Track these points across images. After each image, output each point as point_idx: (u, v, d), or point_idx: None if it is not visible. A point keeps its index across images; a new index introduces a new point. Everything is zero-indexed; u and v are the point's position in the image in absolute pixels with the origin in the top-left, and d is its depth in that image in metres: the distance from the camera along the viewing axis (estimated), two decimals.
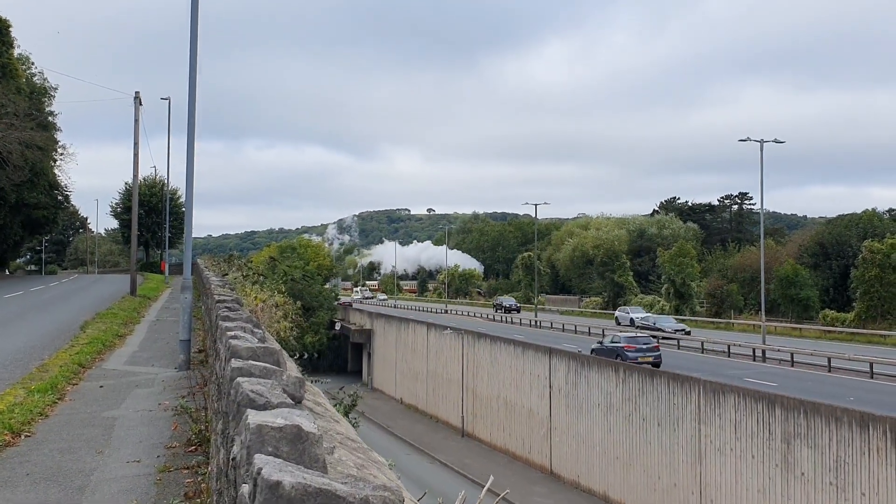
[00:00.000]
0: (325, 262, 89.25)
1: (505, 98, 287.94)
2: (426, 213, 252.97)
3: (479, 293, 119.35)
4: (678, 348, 43.66)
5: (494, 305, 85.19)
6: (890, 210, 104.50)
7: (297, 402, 2.87)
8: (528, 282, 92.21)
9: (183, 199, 49.72)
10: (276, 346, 5.83)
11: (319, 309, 74.00)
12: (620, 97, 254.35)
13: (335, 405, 16.10)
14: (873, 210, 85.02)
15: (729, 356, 39.69)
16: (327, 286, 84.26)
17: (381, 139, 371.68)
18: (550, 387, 24.26)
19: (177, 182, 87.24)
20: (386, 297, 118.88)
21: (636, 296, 79.60)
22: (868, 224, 69.92)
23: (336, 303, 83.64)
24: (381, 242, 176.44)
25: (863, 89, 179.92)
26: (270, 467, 1.73)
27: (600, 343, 34.77)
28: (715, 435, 14.64)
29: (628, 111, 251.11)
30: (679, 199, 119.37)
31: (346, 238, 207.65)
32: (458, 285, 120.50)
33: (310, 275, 75.10)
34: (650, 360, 30.34)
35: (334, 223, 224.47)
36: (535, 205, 76.33)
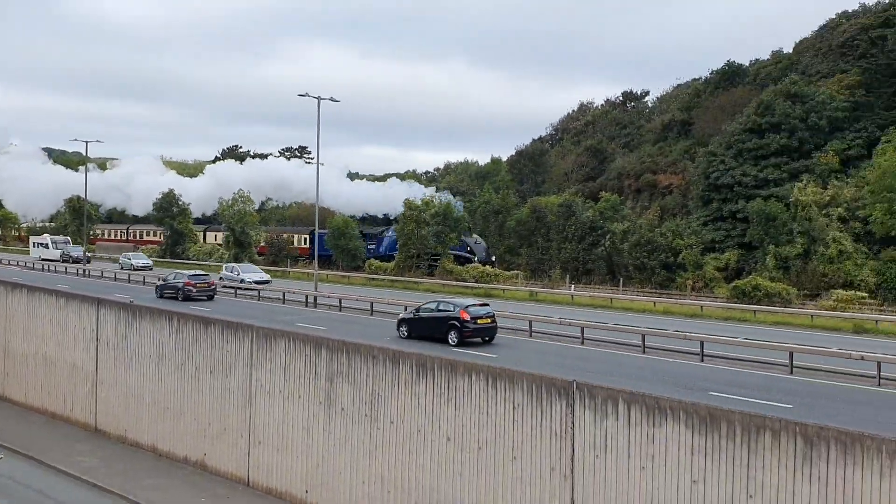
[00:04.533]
0: None
1: (68, 23, 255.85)
2: None
3: (19, 237, 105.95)
4: (235, 296, 44.19)
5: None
6: (426, 172, 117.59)
7: None
8: (77, 226, 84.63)
9: None
10: None
11: None
12: (198, 39, 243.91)
13: None
14: (414, 171, 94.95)
15: (284, 303, 41.45)
16: None
17: None
18: (97, 339, 22.76)
19: None
20: None
21: (196, 244, 78.19)
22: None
23: None
24: None
25: (411, 62, 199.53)
26: None
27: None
28: (266, 379, 15.18)
29: (205, 55, 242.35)
30: (241, 147, 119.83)
31: None
32: None
33: None
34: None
35: None
36: (87, 142, 69.97)
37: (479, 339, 27.72)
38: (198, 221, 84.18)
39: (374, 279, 57.73)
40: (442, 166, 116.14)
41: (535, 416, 10.03)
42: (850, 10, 73.03)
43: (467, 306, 28.40)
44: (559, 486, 9.75)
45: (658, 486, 8.76)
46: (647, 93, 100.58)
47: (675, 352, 26.28)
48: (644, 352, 26.15)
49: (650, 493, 8.85)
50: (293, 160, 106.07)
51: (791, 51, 78.90)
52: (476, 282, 52.21)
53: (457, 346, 26.70)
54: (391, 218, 76.34)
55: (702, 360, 24.56)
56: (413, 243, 59.53)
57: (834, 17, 74.51)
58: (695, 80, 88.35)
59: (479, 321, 27.64)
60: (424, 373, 11.70)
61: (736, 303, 40.43)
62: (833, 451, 7.54)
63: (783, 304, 39.93)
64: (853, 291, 40.42)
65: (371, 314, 36.36)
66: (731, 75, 79.22)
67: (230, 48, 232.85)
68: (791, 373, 22.57)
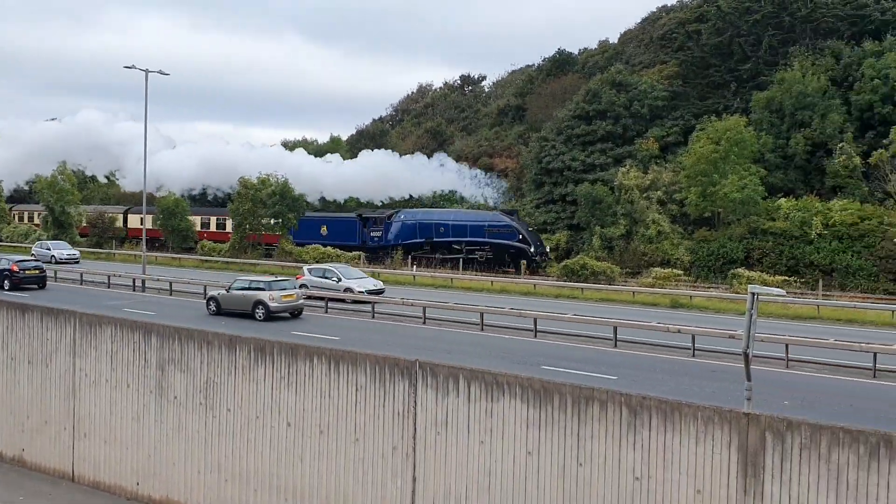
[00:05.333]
0: None
1: None
2: None
3: None
4: (56, 280, 41.20)
5: None
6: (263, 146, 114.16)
7: None
8: None
9: None
10: None
11: None
12: (12, 4, 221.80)
13: None
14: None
15: (109, 287, 39.10)
16: None
17: None
18: None
19: None
20: None
21: (9, 224, 72.17)
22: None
23: None
24: None
25: (247, 36, 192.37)
26: None
27: None
28: (91, 368, 14.28)
29: (23, 21, 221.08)
30: (58, 119, 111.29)
31: None
32: None
33: None
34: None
35: None
36: None
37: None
38: (11, 200, 77.62)
39: (207, 261, 55.65)
40: (279, 144, 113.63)
41: (378, 398, 10.07)
42: (669, 5, 77.88)
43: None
44: (401, 464, 9.86)
45: (496, 459, 9.05)
46: (484, 77, 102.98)
47: (512, 329, 27.24)
48: (482, 329, 26.91)
49: (488, 465, 9.12)
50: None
51: (616, 41, 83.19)
52: (317, 263, 51.57)
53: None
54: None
55: (535, 336, 25.59)
56: (249, 223, 57.82)
57: (655, 10, 79.21)
58: (528, 66, 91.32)
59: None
60: (263, 358, 11.44)
61: (566, 281, 42.40)
62: (655, 419, 8.07)
63: (608, 281, 42.32)
64: (670, 269, 43.45)
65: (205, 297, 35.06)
66: (561, 63, 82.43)
67: (52, 15, 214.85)
68: (615, 346, 23.98)
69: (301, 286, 32.65)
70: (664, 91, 64.80)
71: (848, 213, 46.36)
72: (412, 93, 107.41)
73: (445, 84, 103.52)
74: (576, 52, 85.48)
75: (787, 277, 41.00)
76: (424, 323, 28.29)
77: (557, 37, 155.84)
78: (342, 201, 67.03)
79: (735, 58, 64.20)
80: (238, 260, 54.22)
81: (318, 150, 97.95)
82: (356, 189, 65.46)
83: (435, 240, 53.90)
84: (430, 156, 69.54)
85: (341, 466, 10.39)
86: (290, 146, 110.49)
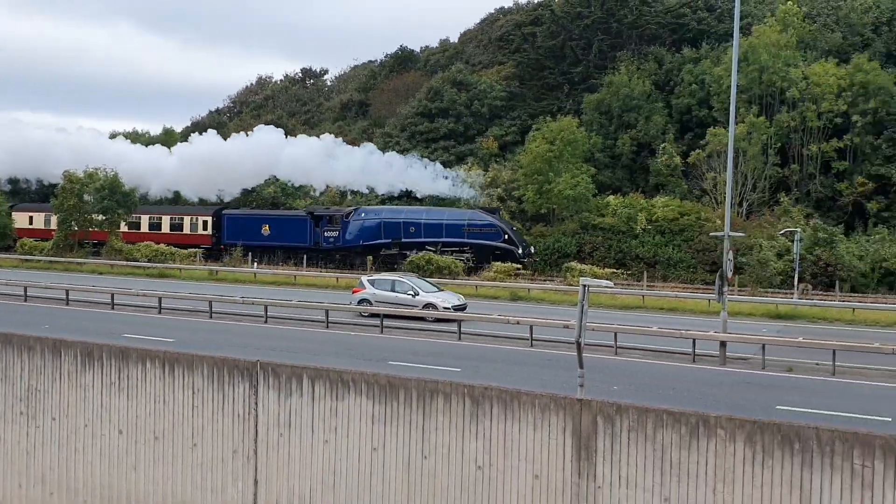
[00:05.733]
0: None
1: None
2: None
3: None
4: None
5: None
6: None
7: None
8: None
9: None
10: None
11: None
12: None
13: None
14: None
15: None
16: None
17: None
18: None
19: None
20: None
21: None
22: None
23: None
24: None
25: (75, 23, 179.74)
26: None
27: None
28: None
29: None
30: None
31: None
32: None
33: None
34: None
35: None
36: None
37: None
38: None
39: (28, 261, 51.69)
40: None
41: (217, 400, 9.76)
42: (506, 7, 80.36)
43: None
44: (242, 467, 9.61)
45: (341, 457, 9.02)
46: (326, 71, 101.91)
47: (358, 325, 27.18)
48: (328, 327, 26.66)
49: (333, 464, 9.07)
50: None
51: (457, 40, 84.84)
52: (149, 261, 49.14)
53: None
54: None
55: (381, 332, 25.67)
56: (76, 219, 54.17)
57: (493, 11, 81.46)
58: (371, 62, 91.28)
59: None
60: (91, 362, 10.79)
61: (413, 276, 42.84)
62: (496, 408, 8.32)
63: (452, 276, 43.12)
64: (509, 263, 44.84)
65: (25, 300, 32.52)
66: (404, 60, 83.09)
67: None
68: (459, 339, 24.48)
69: (361, 301, 29.35)
70: (503, 91, 66.83)
71: (669, 209, 49.77)
72: (251, 85, 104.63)
73: (286, 77, 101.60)
74: (418, 50, 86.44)
75: (615, 270, 43.45)
76: (266, 322, 27.67)
77: (399, 33, 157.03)
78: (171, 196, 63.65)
79: (568, 61, 67.17)
80: (63, 259, 50.70)
81: (149, 142, 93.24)
82: (186, 181, 60.20)
83: (404, 240, 48.94)
84: None
85: (178, 473, 9.99)
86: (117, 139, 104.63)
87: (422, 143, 62.60)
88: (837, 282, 39.81)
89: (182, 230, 56.65)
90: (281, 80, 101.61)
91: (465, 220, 48.43)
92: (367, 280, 31.17)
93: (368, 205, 55.45)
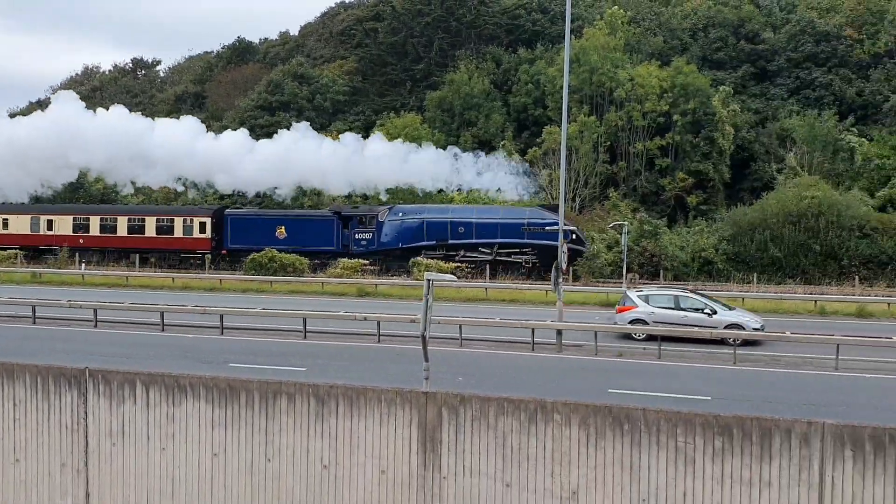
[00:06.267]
0: None
1: None
2: None
3: None
4: None
5: None
6: None
7: None
8: None
9: None
10: None
11: None
12: None
13: None
14: None
15: None
16: None
17: None
18: None
19: None
20: None
21: None
22: None
23: None
24: None
25: None
26: None
27: None
28: None
29: None
30: None
31: None
32: None
33: None
34: None
35: None
36: None
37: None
38: None
39: None
40: None
41: (42, 411, 9.13)
42: (347, 1, 79.90)
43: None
44: (72, 481, 9.05)
45: (179, 464, 8.69)
46: (158, 61, 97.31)
47: (197, 327, 26.14)
48: (163, 329, 25.49)
49: (171, 472, 8.73)
50: None
51: (297, 34, 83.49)
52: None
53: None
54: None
55: (222, 333, 24.87)
56: None
57: (334, 5, 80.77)
58: (207, 52, 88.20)
59: None
60: None
61: (254, 275, 41.73)
62: (342, 406, 8.29)
63: (297, 273, 42.42)
64: (357, 260, 44.62)
65: None
66: (242, 51, 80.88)
67: None
68: (305, 337, 24.15)
69: (634, 321, 24.22)
70: (345, 86, 66.45)
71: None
72: (77, 74, 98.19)
73: (115, 67, 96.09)
74: (257, 42, 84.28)
75: (458, 264, 44.23)
76: (96, 326, 26.08)
77: (237, 25, 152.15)
78: None
79: (410, 57, 67.75)
80: None
81: None
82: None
83: (450, 241, 44.84)
84: None
85: None
86: None
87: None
88: (662, 271, 42.61)
89: (172, 233, 48.81)
90: (110, 71, 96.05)
91: (525, 219, 44.60)
92: (638, 296, 25.57)
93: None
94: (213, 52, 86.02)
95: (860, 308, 31.15)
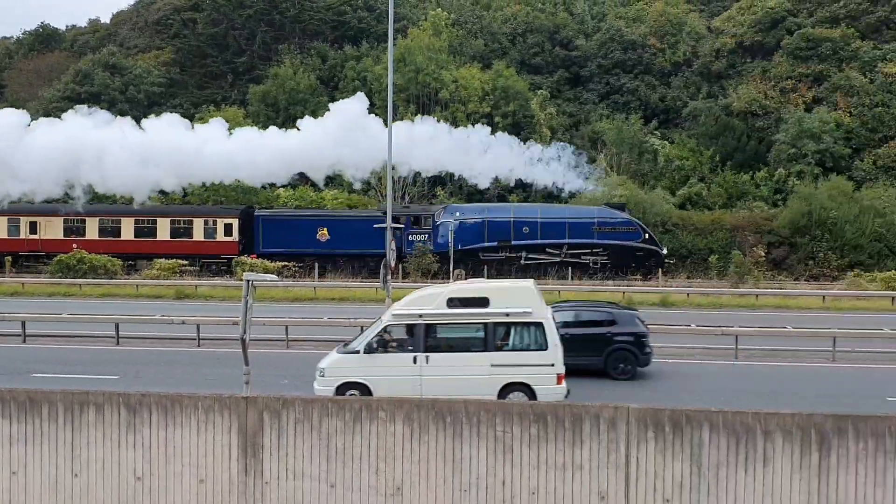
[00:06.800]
0: None
1: None
2: None
3: None
4: None
5: None
6: None
7: None
8: None
9: None
10: None
11: None
12: None
13: None
14: None
15: None
16: None
17: None
18: None
19: None
20: None
21: None
22: None
23: None
24: None
25: None
26: None
27: None
28: None
29: None
30: None
31: None
32: None
33: None
34: None
35: None
36: None
37: None
38: None
39: None
40: None
41: None
42: None
43: None
44: None
45: None
46: None
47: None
48: None
49: None
50: None
51: (109, 21, 78.67)
52: None
53: None
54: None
55: (24, 342, 23.00)
56: None
57: None
58: (5, 38, 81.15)
59: None
60: None
61: (60, 277, 38.86)
62: (155, 415, 7.92)
63: (109, 276, 39.94)
64: (175, 261, 42.54)
65: None
66: (46, 38, 75.19)
67: None
68: (118, 343, 22.81)
69: None
70: (161, 77, 63.36)
71: (338, 202, 50.99)
72: None
73: None
74: (62, 28, 78.50)
75: (286, 263, 43.28)
76: None
77: (40, 9, 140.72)
78: None
79: (231, 50, 65.63)
80: None
81: None
82: None
83: (514, 242, 42.21)
84: None
85: None
86: None
87: None
88: (485, 267, 43.89)
89: (191, 237, 43.79)
90: None
91: (595, 218, 42.50)
92: None
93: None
94: (12, 37, 79.23)
95: (663, 298, 33.68)
